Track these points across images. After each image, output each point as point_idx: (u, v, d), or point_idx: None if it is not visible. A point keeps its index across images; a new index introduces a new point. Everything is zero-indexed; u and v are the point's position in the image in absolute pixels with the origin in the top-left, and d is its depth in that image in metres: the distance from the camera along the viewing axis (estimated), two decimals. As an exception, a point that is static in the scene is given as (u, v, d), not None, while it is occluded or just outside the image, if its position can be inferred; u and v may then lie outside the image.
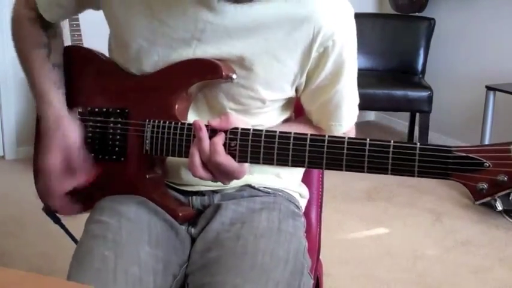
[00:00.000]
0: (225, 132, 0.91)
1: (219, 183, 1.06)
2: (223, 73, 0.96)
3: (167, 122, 0.98)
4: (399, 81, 3.33)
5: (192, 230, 1.05)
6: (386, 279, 2.14)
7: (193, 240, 1.04)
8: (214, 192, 1.08)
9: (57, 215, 1.22)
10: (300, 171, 1.19)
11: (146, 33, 0.99)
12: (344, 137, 0.85)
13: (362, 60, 3.50)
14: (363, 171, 0.84)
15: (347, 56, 1.00)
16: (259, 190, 1.09)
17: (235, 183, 1.06)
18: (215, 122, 0.92)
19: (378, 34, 3.58)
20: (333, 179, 2.84)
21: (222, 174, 0.92)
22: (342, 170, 0.85)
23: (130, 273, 0.90)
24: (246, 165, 0.93)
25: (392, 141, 0.82)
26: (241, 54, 0.97)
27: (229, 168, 0.90)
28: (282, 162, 0.88)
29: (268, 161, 0.89)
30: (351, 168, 0.85)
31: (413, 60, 3.49)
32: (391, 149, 0.82)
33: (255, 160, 0.90)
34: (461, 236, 2.50)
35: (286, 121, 1.12)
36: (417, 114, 3.43)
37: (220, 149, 0.89)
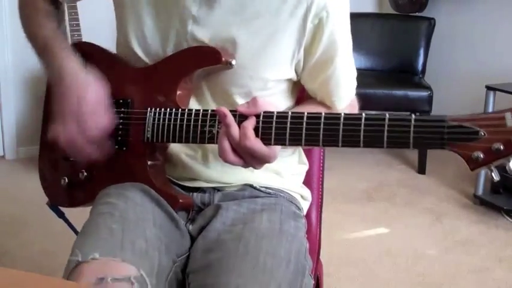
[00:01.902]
0: (256, 116, 0.90)
1: (219, 180, 1.07)
2: (223, 59, 0.97)
3: (168, 109, 0.99)
4: (399, 81, 3.33)
5: (190, 227, 1.06)
6: (386, 279, 2.15)
7: (191, 237, 1.05)
8: (215, 189, 1.08)
9: (61, 209, 1.22)
10: (301, 173, 1.19)
11: (149, 11, 1.02)
12: (340, 114, 0.86)
13: (362, 60, 3.50)
14: (359, 146, 0.84)
15: (342, 27, 1.02)
16: (261, 191, 1.09)
17: (236, 182, 1.07)
18: (243, 108, 0.91)
19: (377, 34, 3.58)
20: (333, 179, 2.85)
21: (253, 158, 0.91)
22: (338, 146, 0.86)
23: (137, 244, 0.91)
24: (277, 148, 0.92)
25: (387, 114, 0.82)
26: (237, 31, 0.99)
27: (260, 152, 0.89)
28: (312, 142, 0.88)
29: (313, 142, 0.88)
30: (346, 143, 0.85)
31: (413, 60, 3.49)
32: (386, 122, 0.82)
33: (295, 142, 0.89)
34: (461, 236, 2.50)
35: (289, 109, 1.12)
36: (417, 114, 3.43)
37: (250, 133, 0.89)
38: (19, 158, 3.26)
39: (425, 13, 3.55)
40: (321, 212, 1.29)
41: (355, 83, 1.11)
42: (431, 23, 3.47)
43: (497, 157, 0.76)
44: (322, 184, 1.29)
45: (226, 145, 0.90)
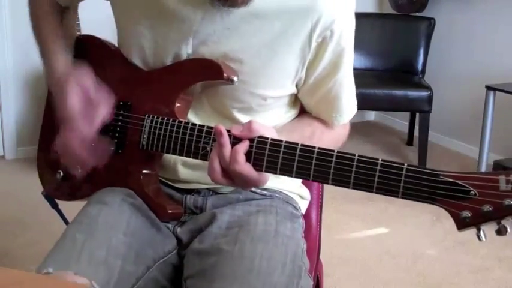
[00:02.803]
0: (251, 140, 0.88)
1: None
2: (225, 75, 0.96)
3: (165, 119, 0.99)
4: (399, 81, 3.33)
5: (178, 230, 1.05)
6: (386, 279, 2.15)
7: (179, 239, 1.05)
8: (209, 190, 1.07)
9: (56, 200, 1.23)
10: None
11: (147, 21, 1.01)
12: (333, 151, 0.84)
13: (362, 60, 3.50)
14: (348, 187, 0.82)
15: (345, 46, 1.00)
16: (256, 193, 1.08)
17: None
18: (237, 131, 0.89)
19: (377, 34, 3.58)
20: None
21: (241, 182, 0.90)
22: (328, 183, 0.84)
23: (96, 255, 0.90)
24: (268, 175, 0.90)
25: (380, 159, 0.80)
26: (239, 48, 0.97)
27: (248, 178, 0.88)
28: (303, 175, 0.86)
29: (304, 175, 0.86)
30: (336, 182, 0.83)
31: (413, 60, 3.49)
32: (378, 167, 0.80)
33: (286, 173, 0.87)
34: (461, 236, 2.47)
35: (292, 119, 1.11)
36: (417, 114, 3.43)
37: (241, 158, 0.87)
38: (19, 158, 3.26)
39: (425, 13, 3.55)
40: (320, 212, 1.29)
41: (355, 101, 1.09)
42: (431, 23, 3.47)
43: (485, 219, 0.74)
44: (322, 184, 1.29)
45: (217, 165, 0.89)
